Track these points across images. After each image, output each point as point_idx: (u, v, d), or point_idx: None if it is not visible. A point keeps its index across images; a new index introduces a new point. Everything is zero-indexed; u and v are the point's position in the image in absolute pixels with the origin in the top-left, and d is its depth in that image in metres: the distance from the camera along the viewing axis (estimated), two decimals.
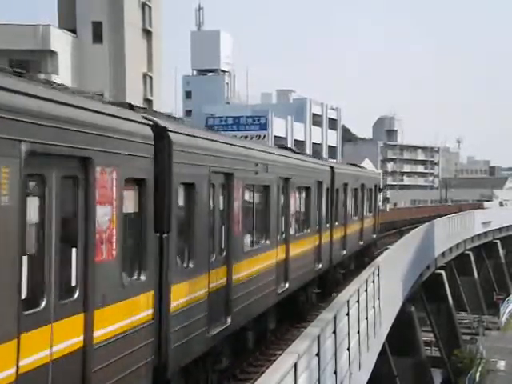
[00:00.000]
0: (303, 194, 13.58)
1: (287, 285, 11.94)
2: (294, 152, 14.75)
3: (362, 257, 21.38)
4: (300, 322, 13.71)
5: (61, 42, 37.39)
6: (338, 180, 16.73)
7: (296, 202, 12.79)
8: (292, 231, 12.34)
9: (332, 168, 16.40)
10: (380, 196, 24.56)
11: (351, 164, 23.15)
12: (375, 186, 23.12)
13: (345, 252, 17.76)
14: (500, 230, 49.34)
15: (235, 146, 9.55)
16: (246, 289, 9.37)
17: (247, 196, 9.89)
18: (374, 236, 23.25)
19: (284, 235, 11.92)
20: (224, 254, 8.64)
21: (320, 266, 14.73)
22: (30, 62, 35.65)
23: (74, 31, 38.68)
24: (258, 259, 10.16)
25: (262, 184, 10.65)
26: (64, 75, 36.47)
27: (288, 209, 12.03)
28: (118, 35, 38.65)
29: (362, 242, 20.28)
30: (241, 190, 9.29)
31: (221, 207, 8.67)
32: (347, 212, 18.05)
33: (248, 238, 9.94)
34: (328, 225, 15.69)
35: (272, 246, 11.03)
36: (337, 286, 16.34)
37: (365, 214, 20.84)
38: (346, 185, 17.84)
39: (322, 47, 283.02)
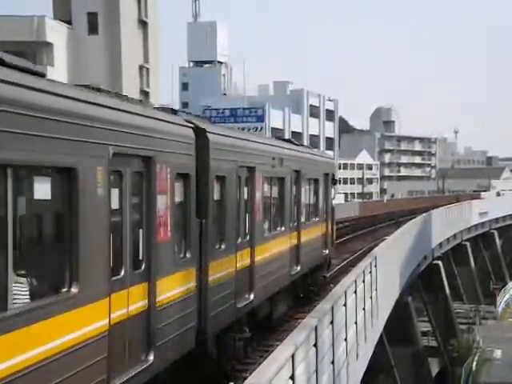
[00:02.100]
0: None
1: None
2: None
3: (300, 288, 14.28)
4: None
5: (56, 33, 37.23)
6: (219, 165, 8.68)
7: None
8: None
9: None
10: (333, 190, 16.98)
11: (283, 139, 14.52)
12: (325, 175, 15.91)
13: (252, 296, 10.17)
14: (497, 220, 49.48)
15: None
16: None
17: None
18: (325, 252, 15.96)
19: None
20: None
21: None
22: (25, 53, 35.49)
23: (69, 22, 38.51)
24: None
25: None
26: (60, 67, 36.33)
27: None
28: (113, 26, 38.49)
29: (297, 268, 13.03)
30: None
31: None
32: (255, 222, 10.33)
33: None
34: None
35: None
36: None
37: (303, 220, 13.62)
38: (251, 170, 10.08)
39: (320, 39, 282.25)
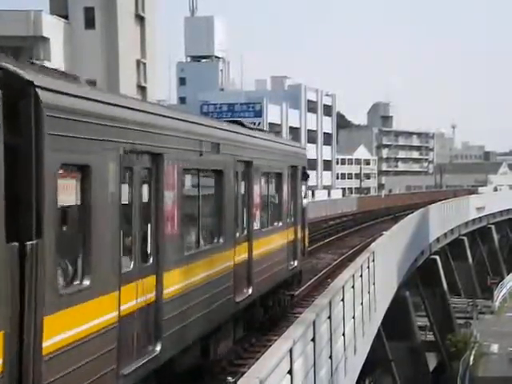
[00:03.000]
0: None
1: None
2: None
3: (253, 316, 11.16)
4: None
5: (53, 28, 37.07)
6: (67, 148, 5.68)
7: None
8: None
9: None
10: (304, 187, 14.12)
11: (229, 121, 11.51)
12: (292, 168, 12.98)
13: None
14: (494, 215, 49.56)
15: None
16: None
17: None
18: (293, 265, 12.96)
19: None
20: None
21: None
22: (21, 48, 35.36)
23: (66, 17, 38.34)
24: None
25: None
26: (56, 62, 36.18)
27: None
28: (110, 21, 38.34)
29: (247, 292, 10.11)
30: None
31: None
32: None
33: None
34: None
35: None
36: None
37: (257, 227, 10.68)
38: (155, 158, 7.22)
39: (318, 34, 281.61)
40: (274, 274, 11.53)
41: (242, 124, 11.01)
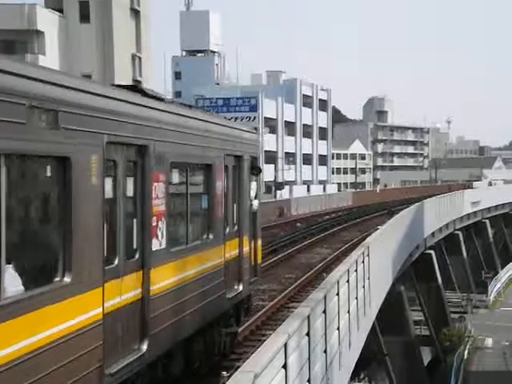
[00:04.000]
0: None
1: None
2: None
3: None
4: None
5: (47, 21, 36.89)
6: None
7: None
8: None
9: None
10: (254, 184, 10.55)
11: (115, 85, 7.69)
12: (235, 159, 9.69)
13: None
14: (489, 209, 49.72)
15: None
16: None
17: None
18: (237, 290, 9.74)
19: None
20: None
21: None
22: (16, 42, 35.19)
23: (60, 11, 38.16)
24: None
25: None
26: (51, 55, 36.03)
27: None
28: (105, 15, 38.18)
29: (141, 348, 6.58)
30: None
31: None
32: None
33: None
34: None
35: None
36: None
37: (159, 247, 7.09)
38: None
39: (313, 28, 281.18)
40: (194, 312, 7.85)
41: (141, 91, 7.10)
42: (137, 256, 6.66)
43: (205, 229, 8.60)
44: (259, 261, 11.16)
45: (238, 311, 10.33)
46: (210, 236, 8.63)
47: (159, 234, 7.03)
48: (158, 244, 6.98)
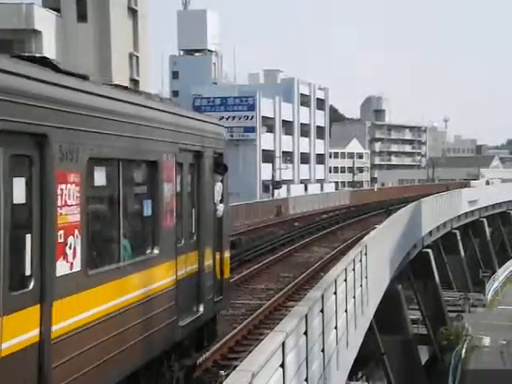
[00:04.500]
0: None
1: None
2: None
3: None
4: None
5: (45, 21, 36.84)
6: None
7: None
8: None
9: None
10: (219, 185, 8.91)
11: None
12: (194, 155, 8.24)
13: None
14: (486, 208, 49.78)
15: None
16: None
17: None
18: (196, 315, 8.26)
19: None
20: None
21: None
22: (13, 41, 35.13)
23: (58, 10, 38.10)
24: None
25: None
26: (48, 55, 35.96)
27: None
28: (103, 14, 38.13)
29: None
30: None
31: None
32: None
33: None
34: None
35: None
36: None
37: (68, 271, 5.39)
38: None
39: (311, 28, 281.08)
40: (129, 349, 6.33)
41: (52, 65, 5.69)
42: (31, 285, 4.89)
43: (147, 242, 6.97)
44: (226, 275, 9.18)
45: (200, 337, 8.58)
46: (155, 251, 6.98)
47: (68, 252, 5.29)
48: (65, 267, 5.25)
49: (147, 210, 7.01)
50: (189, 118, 8.37)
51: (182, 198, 7.80)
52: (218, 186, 8.91)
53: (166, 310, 7.16)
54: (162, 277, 7.12)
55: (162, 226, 7.12)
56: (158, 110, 7.32)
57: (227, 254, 9.38)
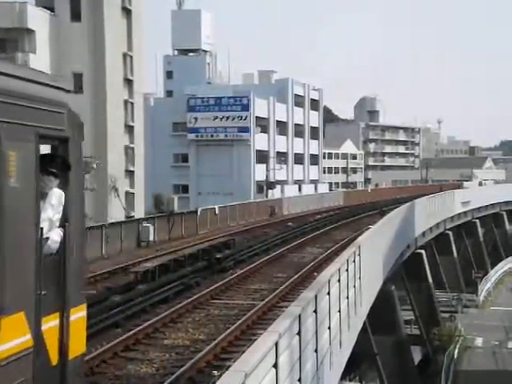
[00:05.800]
0: None
1: None
2: None
3: None
4: None
5: (38, 20, 36.70)
6: None
7: None
8: None
9: None
10: (59, 193, 4.89)
11: None
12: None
13: None
14: (479, 209, 49.94)
15: None
16: None
17: None
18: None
19: None
20: None
21: None
22: (6, 40, 34.98)
23: (51, 9, 37.96)
24: None
25: None
26: (42, 54, 35.86)
27: None
28: (97, 13, 38.01)
29: None
30: None
31: None
32: None
33: None
34: None
35: None
36: None
37: None
38: None
39: (305, 28, 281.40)
40: None
41: None
42: None
43: None
44: (74, 353, 5.29)
45: None
46: None
47: None
48: None
49: None
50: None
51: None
52: (54, 197, 5.31)
53: None
54: None
55: None
56: None
57: (80, 314, 5.43)
